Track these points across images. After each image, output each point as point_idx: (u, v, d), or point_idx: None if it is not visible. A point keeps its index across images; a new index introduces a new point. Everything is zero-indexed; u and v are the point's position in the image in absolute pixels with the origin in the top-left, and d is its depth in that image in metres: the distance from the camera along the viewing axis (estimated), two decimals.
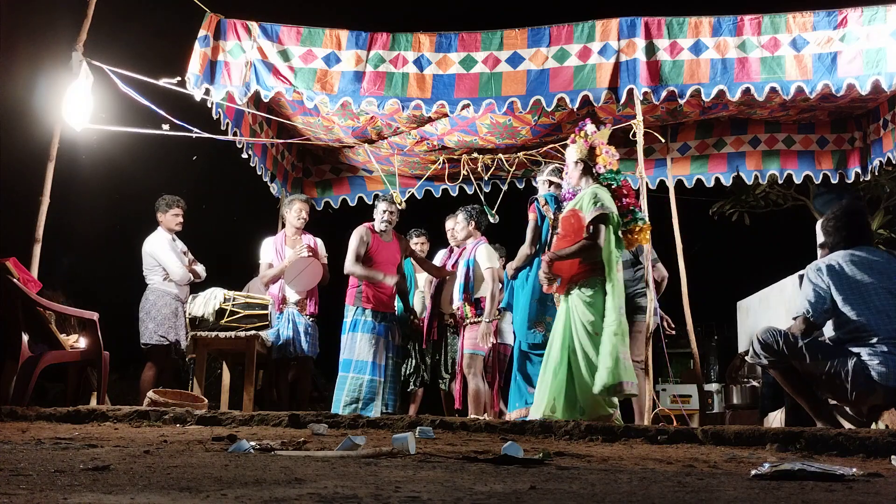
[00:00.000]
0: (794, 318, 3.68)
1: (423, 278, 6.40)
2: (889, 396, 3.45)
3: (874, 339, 3.44)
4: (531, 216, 5.20)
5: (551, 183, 5.39)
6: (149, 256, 5.94)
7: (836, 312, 3.58)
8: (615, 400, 4.46)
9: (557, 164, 5.60)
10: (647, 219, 4.90)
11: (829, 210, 3.93)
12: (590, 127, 4.92)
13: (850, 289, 3.55)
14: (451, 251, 6.30)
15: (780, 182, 7.73)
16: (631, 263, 5.39)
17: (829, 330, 3.69)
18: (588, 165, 4.79)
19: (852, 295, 3.54)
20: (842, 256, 3.66)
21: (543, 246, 5.13)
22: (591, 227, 4.50)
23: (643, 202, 5.12)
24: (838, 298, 3.56)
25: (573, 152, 4.85)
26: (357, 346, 5.59)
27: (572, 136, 4.98)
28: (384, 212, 5.85)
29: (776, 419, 4.67)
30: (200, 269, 6.13)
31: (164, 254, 5.91)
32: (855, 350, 3.48)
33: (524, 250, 5.15)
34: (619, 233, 4.63)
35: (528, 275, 5.17)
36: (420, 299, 6.38)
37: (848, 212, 3.80)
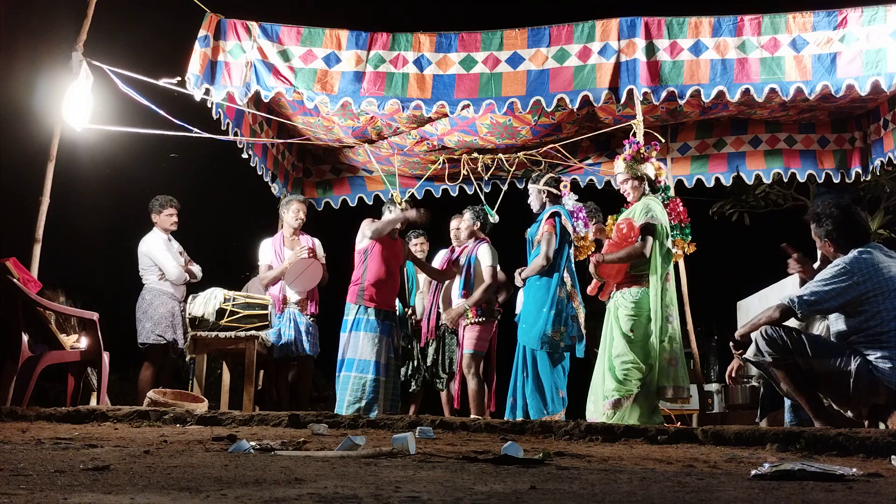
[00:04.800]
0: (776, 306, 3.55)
1: (423, 279, 6.39)
2: (893, 397, 3.42)
3: (885, 337, 3.41)
4: (547, 228, 5.18)
5: (549, 193, 5.37)
6: (144, 256, 5.93)
7: (854, 311, 3.46)
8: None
9: (553, 174, 5.57)
10: (691, 237, 5.20)
11: (821, 211, 3.68)
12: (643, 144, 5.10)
13: (885, 283, 3.43)
14: (453, 251, 6.29)
15: (784, 180, 7.73)
16: None
17: (838, 325, 3.57)
18: (649, 180, 4.95)
19: (883, 291, 3.43)
20: (877, 251, 3.53)
21: (564, 260, 5.18)
22: (640, 235, 4.68)
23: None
24: (869, 294, 3.43)
25: (628, 168, 4.95)
26: (360, 345, 5.56)
27: (625, 153, 5.08)
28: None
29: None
30: (196, 269, 6.12)
31: (159, 253, 5.90)
32: (863, 349, 3.44)
33: (540, 261, 5.13)
34: (669, 244, 4.84)
35: (548, 287, 5.12)
36: (421, 300, 6.38)
37: (848, 210, 3.67)
